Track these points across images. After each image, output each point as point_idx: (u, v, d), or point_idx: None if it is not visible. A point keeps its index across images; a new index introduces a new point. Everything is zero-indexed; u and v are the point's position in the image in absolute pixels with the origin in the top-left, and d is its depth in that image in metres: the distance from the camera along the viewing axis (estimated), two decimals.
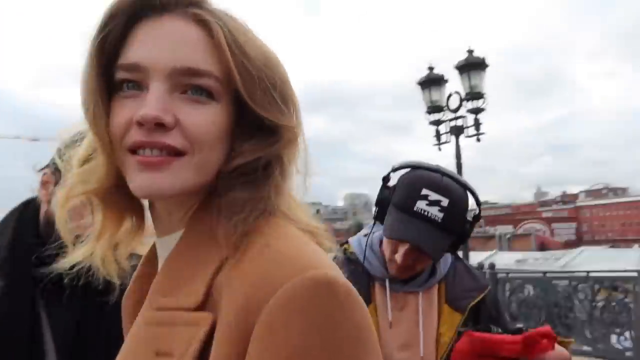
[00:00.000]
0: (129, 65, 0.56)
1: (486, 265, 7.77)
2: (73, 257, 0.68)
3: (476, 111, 8.52)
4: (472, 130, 8.59)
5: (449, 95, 8.81)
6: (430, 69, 8.89)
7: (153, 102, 0.54)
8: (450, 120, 8.80)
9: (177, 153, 0.56)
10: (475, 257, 15.86)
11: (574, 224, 77.82)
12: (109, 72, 0.58)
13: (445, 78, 8.87)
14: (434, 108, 8.86)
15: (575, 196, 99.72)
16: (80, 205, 0.66)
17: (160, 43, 0.56)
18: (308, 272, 0.49)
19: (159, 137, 0.55)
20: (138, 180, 0.56)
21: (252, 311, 0.48)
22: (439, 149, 8.95)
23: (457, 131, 8.68)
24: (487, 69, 8.51)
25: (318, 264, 0.51)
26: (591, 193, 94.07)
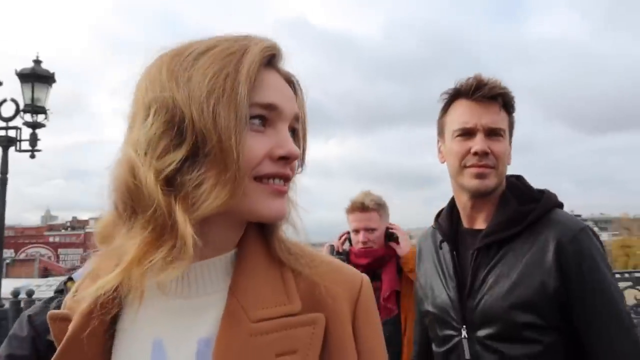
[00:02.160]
0: (268, 105, 0.69)
1: None
2: (105, 282, 0.67)
3: (34, 125, 7.85)
4: (26, 145, 7.87)
5: (3, 101, 7.81)
6: None
7: (291, 141, 0.70)
8: (0, 129, 7.77)
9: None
10: None
11: (81, 249, 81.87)
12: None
13: (1, 80, 7.92)
14: None
15: (85, 222, 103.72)
16: None
17: (284, 92, 0.72)
18: (361, 274, 0.78)
19: (287, 170, 0.71)
20: (275, 205, 0.69)
21: (353, 299, 0.73)
22: None
23: (7, 142, 7.70)
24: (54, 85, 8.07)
25: None
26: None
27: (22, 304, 6.86)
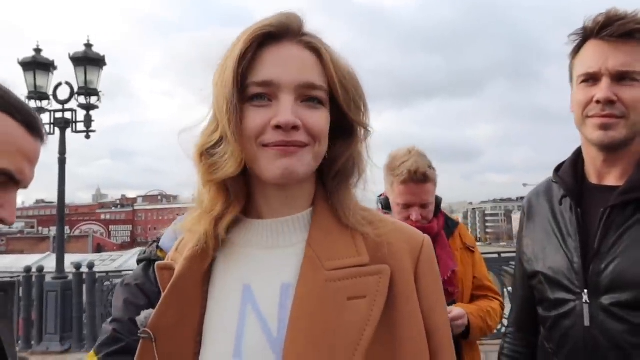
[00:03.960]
0: (263, 82, 0.75)
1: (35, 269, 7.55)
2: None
3: (88, 107, 8.17)
4: (81, 126, 8.21)
5: (58, 85, 8.17)
6: (38, 50, 8.04)
7: (288, 110, 0.74)
8: (57, 111, 8.16)
9: (303, 145, 0.76)
10: (25, 261, 14.67)
11: (130, 226, 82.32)
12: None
13: (56, 65, 8.22)
14: (37, 94, 8.03)
15: (133, 200, 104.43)
16: None
17: (287, 64, 0.76)
18: (423, 234, 0.85)
19: (293, 136, 0.75)
20: (276, 164, 0.75)
21: (415, 257, 0.81)
22: None
23: (64, 124, 8.09)
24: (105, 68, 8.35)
25: None
26: (147, 198, 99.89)
27: (84, 276, 7.35)
